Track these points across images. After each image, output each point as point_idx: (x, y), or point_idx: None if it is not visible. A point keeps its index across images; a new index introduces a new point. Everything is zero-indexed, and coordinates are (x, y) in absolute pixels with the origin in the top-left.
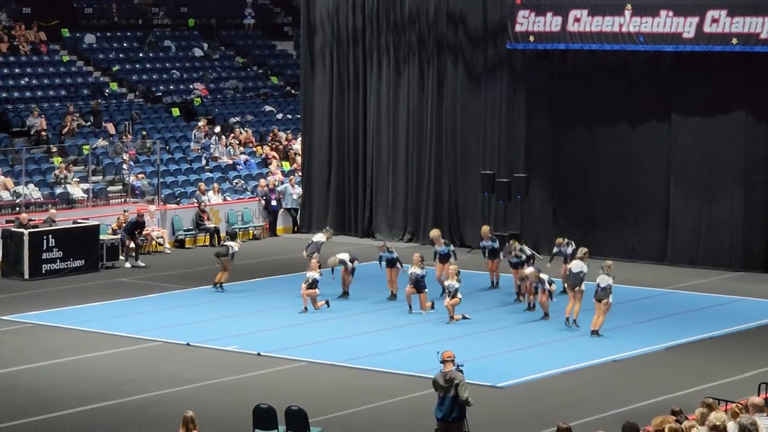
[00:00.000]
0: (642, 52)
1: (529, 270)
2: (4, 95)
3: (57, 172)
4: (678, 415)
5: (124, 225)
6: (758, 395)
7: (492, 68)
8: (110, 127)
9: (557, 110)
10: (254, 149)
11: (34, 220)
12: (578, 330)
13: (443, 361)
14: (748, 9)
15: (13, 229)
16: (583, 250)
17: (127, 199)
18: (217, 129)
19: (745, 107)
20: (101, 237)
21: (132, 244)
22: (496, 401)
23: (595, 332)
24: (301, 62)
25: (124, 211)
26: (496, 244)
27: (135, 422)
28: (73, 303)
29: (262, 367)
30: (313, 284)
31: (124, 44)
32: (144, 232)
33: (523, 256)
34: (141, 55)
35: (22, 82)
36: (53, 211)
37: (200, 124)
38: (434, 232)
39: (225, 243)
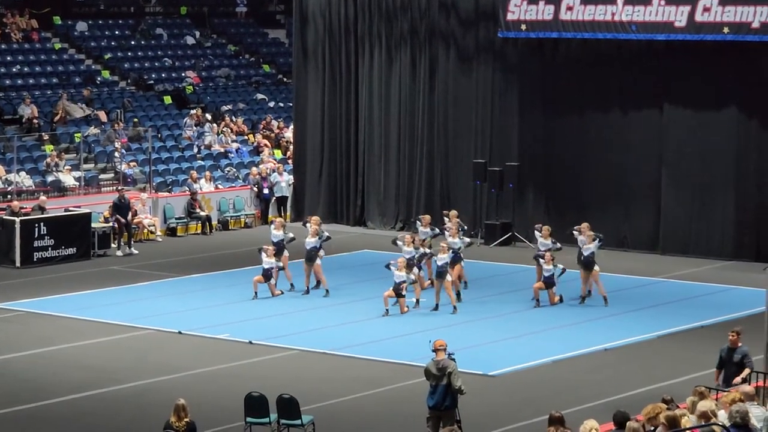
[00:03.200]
0: (634, 40)
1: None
2: None
3: (49, 160)
4: (669, 403)
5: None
6: (749, 384)
7: (484, 57)
8: (102, 115)
9: (549, 99)
10: (246, 137)
11: (26, 208)
12: (570, 319)
13: (435, 350)
14: None
15: (4, 217)
16: (546, 228)
17: (119, 187)
18: (208, 116)
19: (736, 96)
20: (93, 225)
21: (125, 232)
22: (488, 390)
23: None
24: (293, 51)
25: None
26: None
27: (126, 410)
28: (65, 291)
29: (254, 355)
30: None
31: (116, 32)
32: (135, 220)
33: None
34: (133, 43)
35: (14, 69)
36: (43, 198)
37: (192, 112)
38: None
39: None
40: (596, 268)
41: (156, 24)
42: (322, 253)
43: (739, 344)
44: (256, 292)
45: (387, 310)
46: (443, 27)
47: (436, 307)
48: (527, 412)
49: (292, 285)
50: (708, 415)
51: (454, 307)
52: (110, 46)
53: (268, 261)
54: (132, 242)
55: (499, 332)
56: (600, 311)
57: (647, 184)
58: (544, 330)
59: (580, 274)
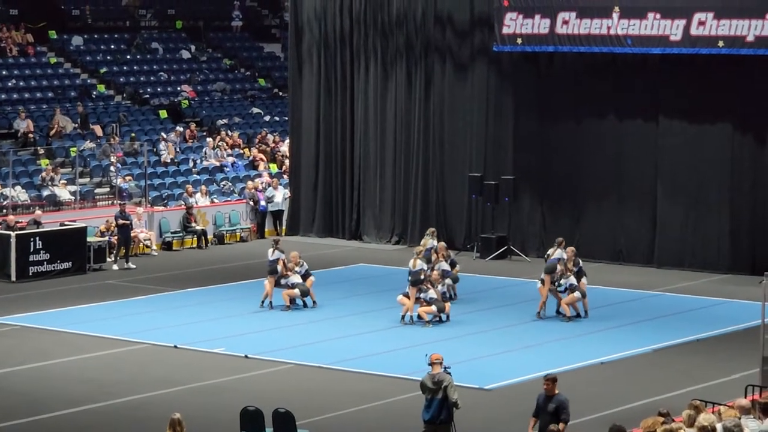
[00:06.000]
0: (629, 54)
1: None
2: None
3: (44, 174)
4: (665, 417)
5: (115, 228)
6: (745, 397)
7: (479, 71)
8: (98, 129)
9: (545, 111)
10: (242, 151)
11: (21, 222)
12: (566, 332)
13: (431, 364)
14: (735, 12)
15: (0, 232)
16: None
17: (115, 202)
18: (173, 135)
19: (731, 110)
20: (88, 239)
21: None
22: (484, 403)
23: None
24: (288, 64)
25: (115, 217)
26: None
27: (123, 424)
28: (61, 305)
29: (250, 369)
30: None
31: (112, 46)
32: (131, 234)
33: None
34: (128, 57)
35: (10, 84)
36: (38, 212)
37: (174, 131)
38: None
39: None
40: (583, 280)
41: (151, 38)
42: (312, 279)
43: (556, 392)
44: (288, 306)
45: (412, 318)
46: (439, 42)
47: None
48: (523, 426)
49: (270, 303)
50: (707, 428)
51: (428, 322)
52: (106, 60)
53: (274, 254)
54: (129, 257)
55: (495, 346)
56: (595, 325)
57: (643, 197)
58: (540, 343)
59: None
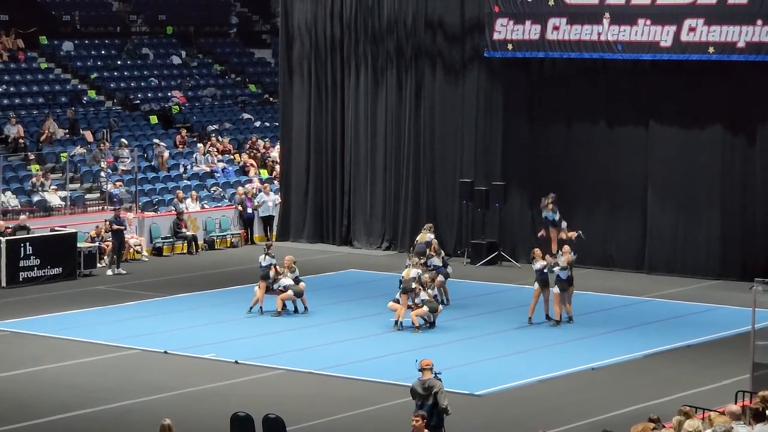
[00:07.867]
0: (620, 60)
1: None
2: None
3: (34, 179)
4: (655, 422)
5: (110, 231)
6: (735, 403)
7: (470, 76)
8: (88, 135)
9: (535, 118)
10: (232, 157)
11: (11, 228)
12: (556, 338)
13: (421, 369)
14: (725, 18)
15: None
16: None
17: (105, 207)
18: (157, 141)
19: (721, 115)
20: (79, 245)
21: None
22: (475, 409)
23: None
24: (279, 70)
25: (105, 220)
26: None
27: (113, 430)
28: (51, 311)
29: (240, 375)
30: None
31: (102, 52)
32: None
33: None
34: (119, 62)
35: (0, 89)
36: (23, 217)
37: (155, 143)
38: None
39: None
40: (562, 288)
41: (142, 44)
42: (303, 285)
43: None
44: (279, 311)
45: (396, 322)
46: (429, 47)
47: (431, 325)
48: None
49: (260, 308)
50: None
51: (417, 327)
52: (96, 65)
53: (266, 260)
54: (120, 262)
55: (486, 352)
56: (586, 331)
57: (633, 203)
58: (530, 349)
59: (555, 296)
